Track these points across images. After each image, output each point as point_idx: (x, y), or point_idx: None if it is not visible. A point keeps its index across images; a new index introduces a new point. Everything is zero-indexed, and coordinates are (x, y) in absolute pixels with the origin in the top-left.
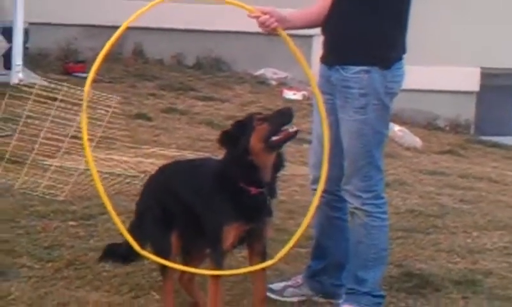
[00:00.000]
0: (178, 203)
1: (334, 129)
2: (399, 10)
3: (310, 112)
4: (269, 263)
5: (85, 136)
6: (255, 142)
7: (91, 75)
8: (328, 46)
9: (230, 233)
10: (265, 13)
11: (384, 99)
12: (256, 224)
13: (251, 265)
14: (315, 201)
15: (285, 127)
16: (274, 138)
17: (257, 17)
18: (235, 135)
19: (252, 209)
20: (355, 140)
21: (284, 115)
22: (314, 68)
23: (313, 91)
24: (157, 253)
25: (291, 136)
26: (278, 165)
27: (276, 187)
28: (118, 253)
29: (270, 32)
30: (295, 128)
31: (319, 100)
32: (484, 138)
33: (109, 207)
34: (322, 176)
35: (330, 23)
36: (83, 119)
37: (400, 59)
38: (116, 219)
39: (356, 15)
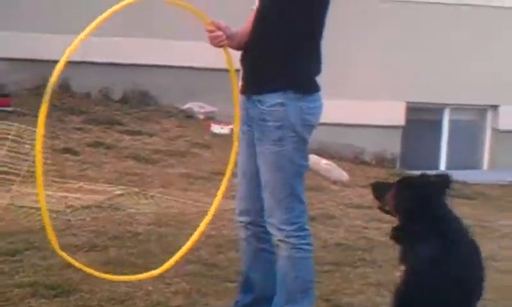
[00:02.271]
0: None
1: (255, 161)
2: (314, 44)
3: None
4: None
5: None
6: None
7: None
8: (245, 76)
9: None
10: (219, 28)
11: (300, 131)
12: None
13: None
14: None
15: None
16: None
17: (211, 31)
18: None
19: None
20: (274, 172)
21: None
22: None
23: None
24: None
25: None
26: None
27: None
28: None
29: (215, 47)
30: None
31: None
32: (409, 172)
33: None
34: (219, 193)
35: (248, 55)
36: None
37: (316, 90)
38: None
39: (270, 47)
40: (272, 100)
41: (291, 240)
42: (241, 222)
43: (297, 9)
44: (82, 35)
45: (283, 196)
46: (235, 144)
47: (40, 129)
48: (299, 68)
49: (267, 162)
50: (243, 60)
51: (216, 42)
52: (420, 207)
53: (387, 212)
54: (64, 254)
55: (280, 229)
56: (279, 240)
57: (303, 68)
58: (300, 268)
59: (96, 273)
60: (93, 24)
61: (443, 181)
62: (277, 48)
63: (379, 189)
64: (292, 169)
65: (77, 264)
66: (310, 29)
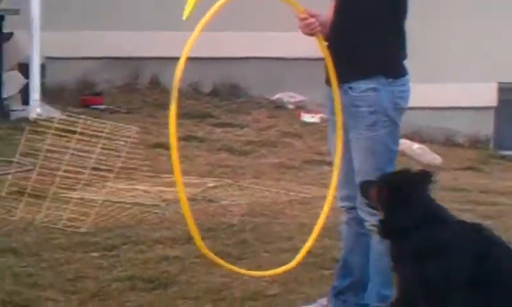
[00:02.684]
0: None
1: (348, 148)
2: (398, 27)
3: None
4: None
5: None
6: None
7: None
8: (334, 65)
9: None
10: (312, 16)
11: (392, 115)
12: None
13: None
14: (326, 207)
15: None
16: None
17: (304, 19)
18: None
19: None
20: (367, 157)
21: None
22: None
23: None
24: None
25: None
26: None
27: None
28: None
29: (308, 35)
30: None
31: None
32: (504, 153)
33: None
34: (333, 182)
35: (334, 43)
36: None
37: (404, 74)
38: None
39: (356, 33)
40: (364, 85)
41: None
42: (342, 206)
43: None
44: (196, 32)
45: None
46: (339, 133)
47: (172, 127)
48: (389, 53)
49: (361, 147)
50: (330, 48)
51: (308, 30)
52: (400, 203)
53: (373, 208)
54: (209, 253)
55: (372, 214)
56: (372, 225)
57: (392, 52)
58: None
59: (239, 270)
60: (204, 20)
61: (424, 177)
62: (364, 35)
63: (365, 186)
64: (385, 153)
65: (224, 264)
66: (395, 13)
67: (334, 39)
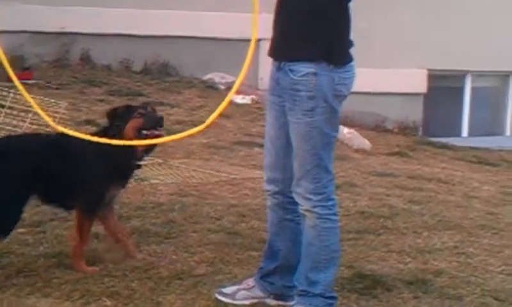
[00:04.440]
0: None
1: (286, 131)
2: (345, 13)
3: (259, 116)
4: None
5: None
6: (128, 129)
7: None
8: (276, 41)
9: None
10: None
11: (332, 102)
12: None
13: None
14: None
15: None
16: (144, 132)
17: None
18: (119, 116)
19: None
20: (303, 143)
21: (159, 121)
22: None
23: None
24: None
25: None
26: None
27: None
28: None
29: None
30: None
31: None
32: (432, 139)
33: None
34: (239, 78)
35: (280, 19)
36: None
37: (349, 61)
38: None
39: (304, 12)
40: (305, 69)
41: (317, 209)
42: (268, 190)
43: None
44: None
45: (311, 166)
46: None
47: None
48: (333, 39)
49: (298, 132)
50: (275, 22)
51: None
52: None
53: None
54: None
55: (306, 199)
56: (305, 210)
57: (337, 39)
58: (326, 238)
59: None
60: None
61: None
62: (310, 18)
63: None
64: (321, 139)
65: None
66: None
67: (281, 16)
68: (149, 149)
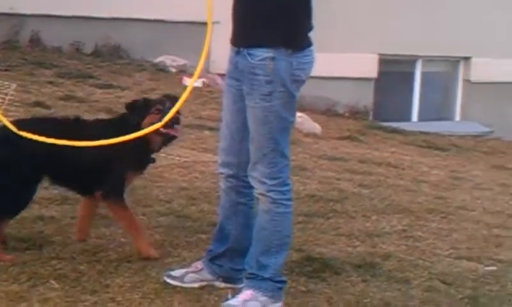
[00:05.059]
0: None
1: (242, 115)
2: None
3: (209, 99)
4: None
5: None
6: (145, 124)
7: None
8: (236, 28)
9: None
10: None
11: (290, 87)
12: None
13: None
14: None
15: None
16: (161, 130)
17: None
18: (137, 109)
19: None
20: (260, 127)
21: (176, 119)
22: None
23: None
24: None
25: (173, 137)
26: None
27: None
28: None
29: None
30: (178, 133)
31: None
32: (382, 124)
33: None
34: (201, 60)
35: (238, 5)
36: None
37: (308, 46)
38: None
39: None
40: (263, 53)
41: (271, 194)
42: (222, 173)
43: None
44: None
45: (267, 150)
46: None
47: None
48: (292, 23)
49: (255, 116)
50: (234, 10)
51: None
52: None
53: None
54: None
55: (261, 183)
56: (260, 194)
57: (296, 23)
58: (279, 222)
59: None
60: None
61: None
62: (267, 2)
63: None
64: (278, 124)
65: None
66: None
67: (240, 3)
68: (166, 142)
